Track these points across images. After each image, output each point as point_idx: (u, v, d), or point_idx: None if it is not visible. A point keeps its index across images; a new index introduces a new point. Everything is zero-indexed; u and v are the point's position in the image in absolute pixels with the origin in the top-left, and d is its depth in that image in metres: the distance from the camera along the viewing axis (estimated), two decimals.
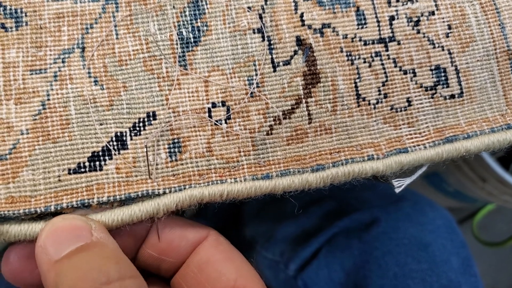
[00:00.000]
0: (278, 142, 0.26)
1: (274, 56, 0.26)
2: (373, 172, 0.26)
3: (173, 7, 0.26)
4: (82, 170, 0.25)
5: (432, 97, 0.27)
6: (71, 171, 0.24)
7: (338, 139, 0.26)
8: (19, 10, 0.26)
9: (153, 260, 0.25)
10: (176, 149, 0.25)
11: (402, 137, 0.27)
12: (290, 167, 0.26)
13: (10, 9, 0.26)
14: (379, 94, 0.27)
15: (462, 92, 0.28)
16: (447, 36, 0.28)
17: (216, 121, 0.26)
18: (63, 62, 0.25)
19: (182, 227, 0.25)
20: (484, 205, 0.92)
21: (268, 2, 0.27)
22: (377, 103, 0.27)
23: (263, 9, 0.27)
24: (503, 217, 0.96)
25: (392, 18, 0.27)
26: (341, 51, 0.27)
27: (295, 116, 0.26)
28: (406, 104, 0.27)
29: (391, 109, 0.27)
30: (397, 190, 0.27)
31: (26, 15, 0.26)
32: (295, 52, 0.26)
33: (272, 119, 0.26)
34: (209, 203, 0.25)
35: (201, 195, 0.24)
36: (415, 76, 0.27)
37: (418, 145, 0.27)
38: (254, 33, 0.27)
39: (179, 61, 0.26)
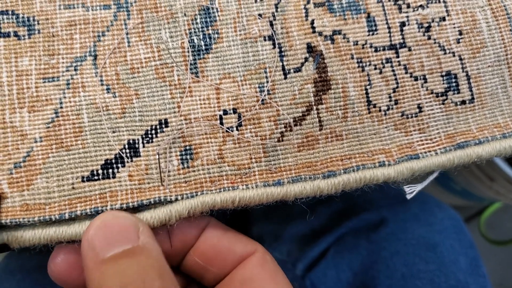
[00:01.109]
0: (289, 149, 0.26)
1: (285, 63, 0.26)
2: (384, 178, 0.26)
3: (184, 14, 0.26)
4: (96, 177, 0.25)
5: (443, 103, 0.27)
6: (85, 179, 0.25)
7: (349, 145, 0.27)
8: (31, 18, 0.26)
9: (198, 268, 0.25)
10: (188, 156, 0.25)
11: (413, 143, 0.27)
12: (301, 173, 0.26)
13: (23, 17, 0.26)
14: (390, 101, 0.27)
15: (473, 98, 0.28)
16: (458, 42, 0.28)
17: (228, 128, 0.26)
18: (75, 70, 0.26)
19: (230, 239, 0.25)
20: (491, 204, 0.92)
21: (279, 9, 0.27)
22: (388, 109, 0.27)
23: (274, 16, 0.27)
24: (510, 216, 0.95)
25: (403, 24, 0.27)
26: (352, 58, 0.27)
27: (306, 123, 0.26)
28: (417, 110, 0.27)
29: (402, 115, 0.27)
30: (409, 197, 0.27)
31: (38, 23, 0.26)
32: (306, 59, 0.27)
33: (283, 126, 0.26)
34: (221, 209, 0.25)
35: (213, 201, 0.25)
36: (426, 82, 0.27)
37: (430, 151, 0.27)
38: (265, 40, 0.27)
39: (191, 69, 0.26)
